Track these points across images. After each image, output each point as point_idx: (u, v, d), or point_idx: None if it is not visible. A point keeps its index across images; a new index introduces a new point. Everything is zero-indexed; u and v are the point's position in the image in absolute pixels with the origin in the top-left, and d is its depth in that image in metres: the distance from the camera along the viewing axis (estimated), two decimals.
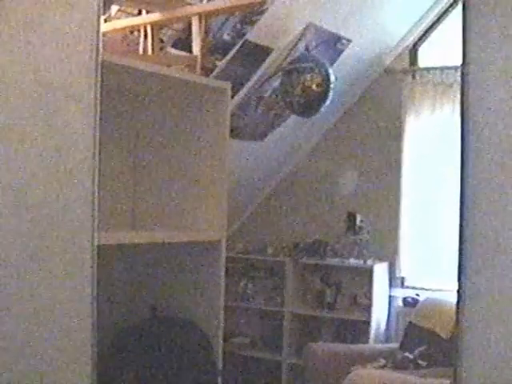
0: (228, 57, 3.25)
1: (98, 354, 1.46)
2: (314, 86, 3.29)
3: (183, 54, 2.95)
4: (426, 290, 3.97)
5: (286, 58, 3.51)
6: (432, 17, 4.02)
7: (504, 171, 0.97)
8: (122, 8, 2.82)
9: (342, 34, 3.61)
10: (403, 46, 4.12)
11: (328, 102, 3.35)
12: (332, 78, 3.31)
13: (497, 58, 0.97)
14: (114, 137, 2.12)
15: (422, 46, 4.14)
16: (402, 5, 3.75)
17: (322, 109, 3.39)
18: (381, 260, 4.05)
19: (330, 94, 3.32)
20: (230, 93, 2.08)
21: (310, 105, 3.35)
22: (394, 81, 4.11)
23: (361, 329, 3.99)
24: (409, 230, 4.03)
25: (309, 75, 3.29)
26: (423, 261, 4.01)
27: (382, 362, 3.58)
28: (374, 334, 3.93)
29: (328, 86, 3.30)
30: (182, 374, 1.88)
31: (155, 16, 2.63)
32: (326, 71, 3.31)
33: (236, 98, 3.47)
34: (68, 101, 1.38)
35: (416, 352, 3.49)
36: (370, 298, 3.96)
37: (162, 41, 2.87)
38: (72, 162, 1.39)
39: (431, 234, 3.93)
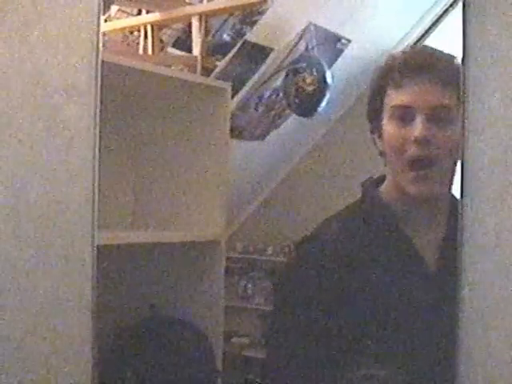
0: (228, 57, 3.25)
1: (97, 354, 1.46)
2: (306, 87, 3.29)
3: (183, 54, 2.95)
4: None
5: (286, 58, 3.51)
6: (432, 17, 4.02)
7: (504, 171, 0.97)
8: (122, 8, 2.82)
9: (342, 34, 3.61)
10: (403, 45, 4.11)
11: (325, 102, 3.34)
12: (329, 78, 3.31)
13: (497, 57, 0.97)
14: (114, 137, 2.12)
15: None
16: (402, 5, 3.75)
17: (320, 109, 3.39)
18: None
19: (327, 94, 3.32)
20: (230, 93, 2.07)
21: (305, 105, 3.35)
22: None
23: None
24: None
25: (301, 75, 3.30)
26: None
27: None
28: None
29: (323, 87, 3.30)
30: (182, 374, 1.87)
31: (155, 16, 2.63)
32: (321, 71, 3.31)
33: (236, 98, 3.47)
34: (68, 101, 1.38)
35: None
36: None
37: (161, 41, 2.87)
38: (72, 162, 1.39)
39: None
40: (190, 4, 2.67)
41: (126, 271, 2.13)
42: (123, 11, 2.84)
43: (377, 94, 1.40)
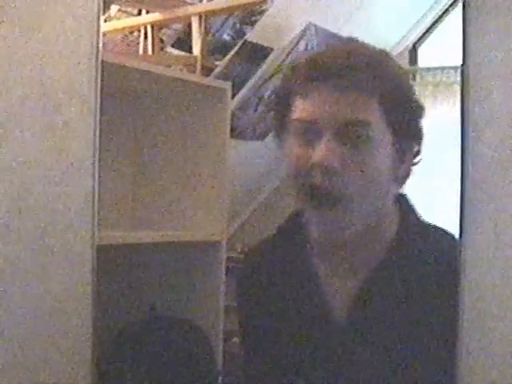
0: (228, 57, 3.25)
1: (97, 354, 1.46)
2: None
3: (183, 54, 2.96)
4: None
5: (286, 58, 3.51)
6: (432, 17, 4.02)
7: (504, 171, 0.97)
8: (122, 8, 2.82)
9: (342, 34, 3.61)
10: (403, 46, 4.12)
11: None
12: None
13: (497, 58, 0.97)
14: (114, 137, 2.12)
15: (422, 45, 4.14)
16: (402, 5, 3.75)
17: None
18: None
19: None
20: (230, 93, 2.08)
21: None
22: None
23: None
24: None
25: None
26: None
27: None
28: None
29: None
30: (182, 374, 1.88)
31: (155, 16, 2.64)
32: None
33: (236, 98, 3.48)
34: (68, 101, 1.38)
35: None
36: None
37: (162, 41, 2.87)
38: (72, 162, 1.39)
39: None
40: (190, 4, 2.68)
41: (126, 271, 2.13)
42: (123, 11, 2.84)
43: (281, 103, 1.07)
